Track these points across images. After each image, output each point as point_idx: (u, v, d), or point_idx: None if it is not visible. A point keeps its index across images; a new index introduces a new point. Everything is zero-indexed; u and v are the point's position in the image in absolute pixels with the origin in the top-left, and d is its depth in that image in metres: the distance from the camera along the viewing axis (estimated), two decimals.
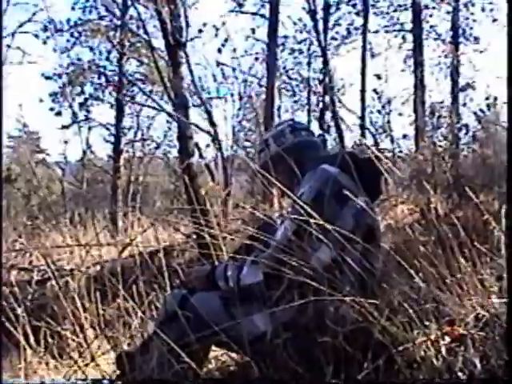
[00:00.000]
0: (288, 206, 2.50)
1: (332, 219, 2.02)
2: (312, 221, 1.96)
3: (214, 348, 2.43)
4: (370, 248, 2.10)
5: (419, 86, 14.26)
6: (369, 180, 2.27)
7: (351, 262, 1.98)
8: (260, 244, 2.15)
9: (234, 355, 2.57)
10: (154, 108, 17.77)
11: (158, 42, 13.46)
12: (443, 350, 1.83)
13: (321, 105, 16.43)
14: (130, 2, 15.26)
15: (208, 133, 12.19)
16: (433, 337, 1.86)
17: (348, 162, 2.21)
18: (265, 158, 2.55)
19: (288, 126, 2.56)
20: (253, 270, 2.13)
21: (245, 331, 2.06)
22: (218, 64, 15.81)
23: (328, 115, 15.91)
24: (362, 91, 15.32)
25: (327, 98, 15.83)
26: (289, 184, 2.35)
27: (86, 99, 18.03)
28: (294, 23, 17.49)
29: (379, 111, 16.81)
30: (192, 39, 10.64)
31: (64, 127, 18.22)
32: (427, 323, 1.91)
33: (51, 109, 17.98)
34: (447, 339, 1.87)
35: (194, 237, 7.17)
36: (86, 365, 2.38)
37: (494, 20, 16.05)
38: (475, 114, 7.93)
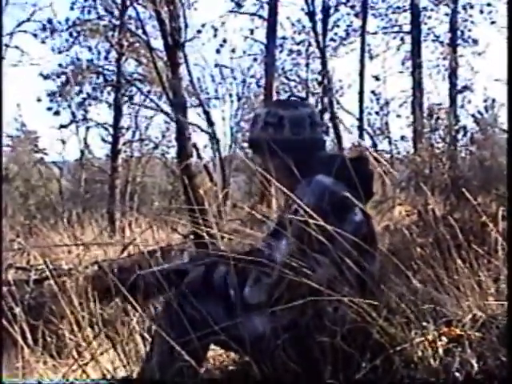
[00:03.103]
0: (282, 207, 2.40)
1: (331, 238, 1.98)
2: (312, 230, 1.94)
3: (212, 347, 2.43)
4: (368, 249, 2.09)
5: (417, 87, 14.31)
6: (361, 182, 2.18)
7: (351, 263, 1.97)
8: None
9: (232, 355, 2.58)
10: (152, 108, 17.79)
11: (157, 43, 13.48)
12: (440, 350, 1.84)
13: (319, 106, 16.42)
14: (128, 2, 15.28)
15: (208, 133, 12.19)
16: (430, 337, 1.87)
17: (342, 168, 2.17)
18: (273, 136, 2.35)
19: (309, 116, 2.37)
20: (256, 291, 2.08)
21: (245, 331, 2.05)
22: (217, 65, 15.87)
23: (326, 116, 15.91)
24: (361, 93, 15.37)
25: (325, 99, 15.85)
26: (284, 176, 2.32)
27: (84, 99, 18.06)
28: (293, 24, 17.54)
29: (377, 113, 16.93)
30: (191, 39, 10.64)
31: (62, 127, 18.24)
32: (425, 324, 1.92)
33: (49, 108, 18.00)
34: (444, 340, 1.88)
35: (192, 237, 7.19)
36: (86, 364, 2.39)
37: (493, 22, 16.09)
38: (473, 116, 7.93)
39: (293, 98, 2.52)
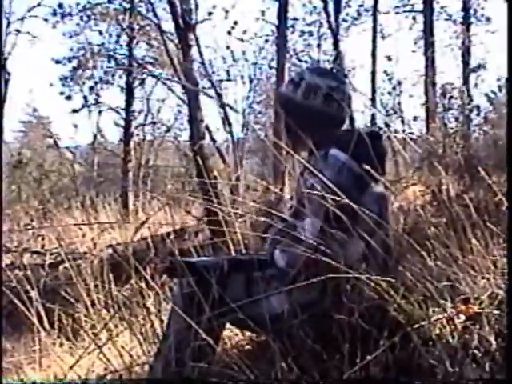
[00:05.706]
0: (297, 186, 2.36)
1: (353, 215, 1.97)
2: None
3: (227, 327, 2.43)
4: (385, 225, 2.09)
5: (430, 67, 14.18)
6: (374, 160, 2.15)
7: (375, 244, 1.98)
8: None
9: (248, 334, 2.58)
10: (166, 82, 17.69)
11: (168, 25, 13.40)
12: (459, 327, 1.84)
13: None
14: None
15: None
16: (448, 315, 1.86)
17: (357, 143, 2.14)
18: (289, 95, 2.34)
19: (328, 88, 2.30)
20: (286, 254, 2.09)
21: (263, 310, 2.05)
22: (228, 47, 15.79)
23: None
24: (373, 73, 15.27)
25: None
26: (295, 143, 2.33)
27: (95, 83, 18.05)
28: (304, 5, 17.43)
29: (390, 93, 16.77)
30: (202, 21, 10.57)
31: (74, 111, 18.24)
32: (442, 301, 1.91)
33: (61, 93, 18.03)
34: (462, 317, 1.87)
35: (205, 219, 7.19)
36: (103, 345, 2.40)
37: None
38: (486, 95, 7.87)
39: (333, 69, 2.46)
